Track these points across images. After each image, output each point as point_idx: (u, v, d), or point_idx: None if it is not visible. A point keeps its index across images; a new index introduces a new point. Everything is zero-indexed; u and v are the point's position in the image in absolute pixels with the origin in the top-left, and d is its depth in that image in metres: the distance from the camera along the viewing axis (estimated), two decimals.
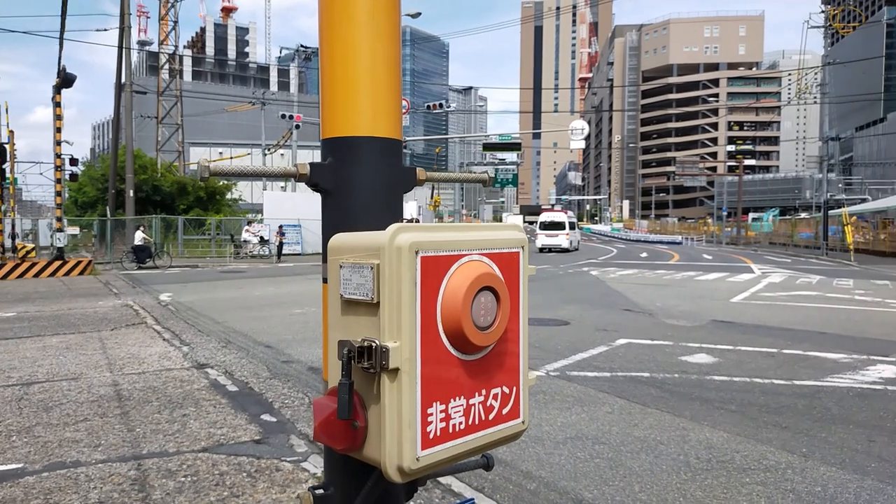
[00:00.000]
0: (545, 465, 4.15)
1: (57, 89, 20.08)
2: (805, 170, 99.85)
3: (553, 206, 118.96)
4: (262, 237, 29.62)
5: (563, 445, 4.49)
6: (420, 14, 33.09)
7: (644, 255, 34.27)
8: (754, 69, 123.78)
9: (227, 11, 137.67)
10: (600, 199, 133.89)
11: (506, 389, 1.16)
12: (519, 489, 3.77)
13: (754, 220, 62.52)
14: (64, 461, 4.12)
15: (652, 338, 8.66)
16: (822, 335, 8.93)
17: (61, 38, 19.99)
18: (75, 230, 27.51)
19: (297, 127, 35.17)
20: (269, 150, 40.83)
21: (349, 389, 1.00)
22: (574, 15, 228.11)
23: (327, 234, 1.25)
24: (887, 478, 3.93)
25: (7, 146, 23.23)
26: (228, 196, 40.04)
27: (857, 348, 7.92)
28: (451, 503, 3.51)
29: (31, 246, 26.23)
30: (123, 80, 29.11)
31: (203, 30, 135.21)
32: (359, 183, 1.24)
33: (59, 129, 20.65)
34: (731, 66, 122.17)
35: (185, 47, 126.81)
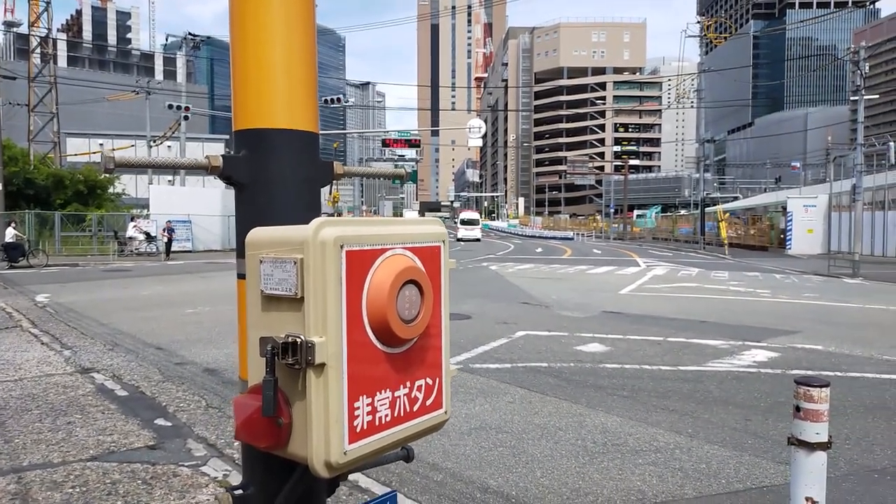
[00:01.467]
0: (451, 456, 4.22)
1: None
2: (684, 169, 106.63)
3: (452, 202, 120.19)
4: (148, 234, 28.09)
5: (468, 436, 4.58)
6: (316, 6, 32.42)
7: (539, 250, 35.39)
8: (637, 74, 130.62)
9: None
10: (497, 196, 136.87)
11: (429, 381, 1.18)
12: (426, 481, 3.81)
13: (639, 216, 66.08)
14: None
15: (549, 329, 8.98)
16: (703, 323, 9.59)
17: None
18: None
19: (187, 118, 33.54)
20: (154, 141, 38.71)
21: (274, 386, 0.98)
22: (469, 15, 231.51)
23: (242, 228, 1.21)
24: (762, 452, 4.29)
25: None
26: (111, 190, 37.59)
27: (734, 335, 8.57)
28: (361, 499, 3.49)
29: None
30: None
31: (79, 12, 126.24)
32: (275, 177, 1.21)
33: None
34: (617, 70, 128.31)
35: (59, 30, 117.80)
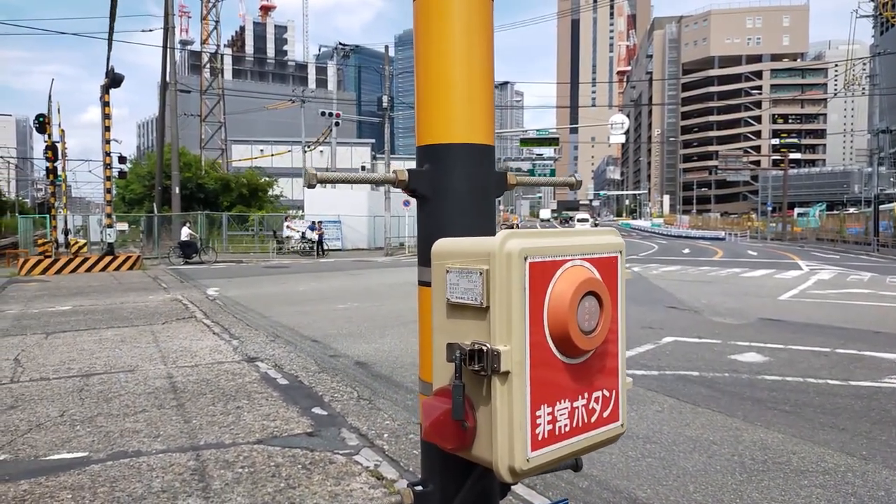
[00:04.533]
0: (596, 463, 4.14)
1: (105, 89, 20.63)
2: (853, 163, 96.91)
3: (591, 201, 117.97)
4: (303, 233, 30.10)
5: (614, 445, 4.46)
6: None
7: (686, 251, 33.73)
8: (799, 60, 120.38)
9: (266, 10, 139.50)
10: (640, 194, 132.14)
11: (606, 393, 1.18)
12: (571, 487, 3.77)
13: (800, 215, 60.78)
14: (126, 450, 4.26)
15: (699, 336, 8.54)
16: (877, 335, 8.68)
17: (110, 39, 20.45)
18: (124, 226, 28.32)
19: (338, 124, 35.49)
20: (308, 147, 41.35)
21: (462, 391, 1.03)
22: (612, 7, 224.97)
23: (425, 238, 1.28)
24: None
25: (59, 145, 23.97)
26: (270, 193, 40.68)
27: None
28: None
29: (82, 241, 27.04)
30: (168, 79, 29.78)
31: (242, 29, 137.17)
32: (455, 189, 1.26)
33: (107, 128, 21.23)
34: (775, 57, 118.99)
35: (225, 46, 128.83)
